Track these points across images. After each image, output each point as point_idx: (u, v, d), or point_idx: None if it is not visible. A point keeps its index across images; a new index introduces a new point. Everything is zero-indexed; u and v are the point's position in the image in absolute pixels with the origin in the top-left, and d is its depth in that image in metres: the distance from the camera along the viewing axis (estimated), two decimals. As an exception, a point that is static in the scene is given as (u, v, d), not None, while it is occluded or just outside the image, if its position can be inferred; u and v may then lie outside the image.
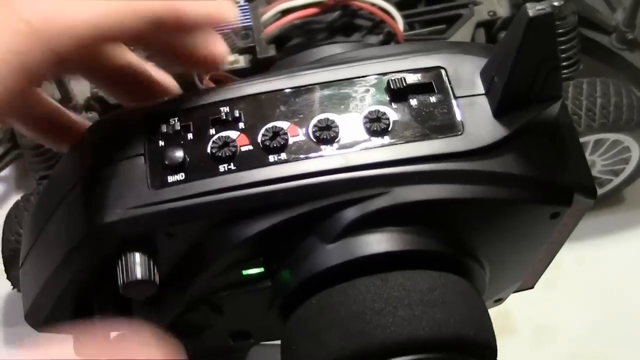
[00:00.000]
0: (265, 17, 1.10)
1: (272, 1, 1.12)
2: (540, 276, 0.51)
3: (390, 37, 1.08)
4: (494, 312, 1.03)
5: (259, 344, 0.65)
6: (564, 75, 1.05)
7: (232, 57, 1.08)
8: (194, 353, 0.50)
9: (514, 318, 1.05)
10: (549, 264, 0.49)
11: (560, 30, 1.02)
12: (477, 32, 1.11)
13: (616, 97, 0.99)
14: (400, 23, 1.09)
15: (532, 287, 0.52)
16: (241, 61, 1.07)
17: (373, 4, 1.11)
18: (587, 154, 1.05)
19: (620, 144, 1.04)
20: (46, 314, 0.44)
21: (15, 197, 1.05)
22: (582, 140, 1.02)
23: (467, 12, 1.14)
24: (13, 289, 0.99)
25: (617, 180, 1.11)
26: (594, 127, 0.99)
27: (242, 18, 1.11)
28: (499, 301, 0.51)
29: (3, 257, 0.95)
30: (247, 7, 1.12)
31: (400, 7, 1.12)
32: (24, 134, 1.02)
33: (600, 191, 1.12)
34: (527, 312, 1.05)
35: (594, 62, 1.12)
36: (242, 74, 1.02)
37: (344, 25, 1.14)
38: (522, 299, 1.02)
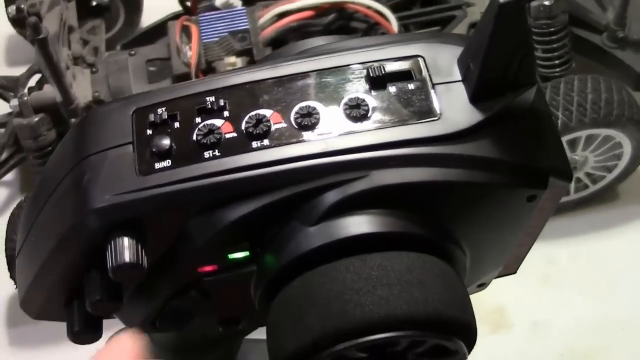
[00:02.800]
0: (262, 20, 1.12)
1: (268, 5, 1.14)
2: (521, 261, 0.51)
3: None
4: (489, 308, 1.05)
5: (248, 341, 0.66)
6: (556, 73, 1.07)
7: (230, 59, 1.09)
8: (186, 345, 0.51)
9: (510, 313, 1.06)
10: (530, 248, 0.50)
11: (551, 29, 1.04)
12: (471, 32, 1.12)
13: (607, 93, 1.01)
14: (394, 25, 1.11)
15: (514, 272, 0.52)
16: (239, 63, 1.09)
17: (368, 7, 1.12)
18: (579, 150, 1.06)
19: (612, 139, 1.05)
20: (40, 301, 0.45)
21: (19, 200, 1.07)
22: (573, 135, 1.03)
23: (460, 14, 1.16)
24: (16, 288, 1.00)
25: (610, 177, 1.12)
26: (585, 123, 1.00)
27: (240, 21, 1.12)
28: (482, 286, 0.52)
29: (6, 256, 0.96)
30: (244, 10, 1.14)
31: (394, 9, 1.13)
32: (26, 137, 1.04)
33: (593, 187, 1.13)
34: (523, 308, 1.06)
35: (586, 60, 1.14)
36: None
37: (340, 27, 1.15)
38: (517, 294, 1.04)
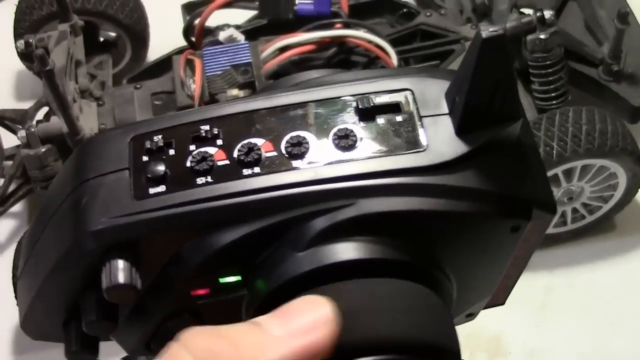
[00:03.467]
0: (265, 54, 1.14)
1: (270, 39, 1.16)
2: (510, 292, 0.52)
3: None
4: (487, 336, 1.05)
5: None
6: (553, 105, 1.08)
7: (233, 92, 1.11)
8: None
9: (507, 341, 1.06)
10: (517, 279, 0.51)
11: (547, 62, 1.06)
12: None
13: (601, 124, 1.02)
14: (394, 59, 1.12)
15: (502, 304, 0.53)
16: (241, 95, 1.11)
17: (369, 41, 1.14)
18: (575, 180, 1.07)
19: (607, 170, 1.07)
20: (39, 322, 0.46)
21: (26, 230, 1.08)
22: (569, 165, 1.05)
23: (459, 48, 1.18)
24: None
25: (606, 207, 1.13)
26: (580, 153, 1.02)
27: (242, 55, 1.14)
28: (470, 316, 0.53)
29: (13, 284, 0.97)
30: (246, 45, 1.16)
31: (394, 43, 1.15)
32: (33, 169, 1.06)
33: (590, 218, 1.14)
34: (520, 336, 1.06)
35: (583, 93, 1.15)
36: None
37: (340, 61, 1.17)
38: (515, 323, 1.05)
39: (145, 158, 0.43)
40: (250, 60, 1.13)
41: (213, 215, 0.41)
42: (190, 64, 1.15)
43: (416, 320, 0.40)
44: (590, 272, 1.13)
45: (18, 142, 1.19)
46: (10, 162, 1.22)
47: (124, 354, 0.48)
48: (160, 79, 1.21)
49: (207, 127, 0.43)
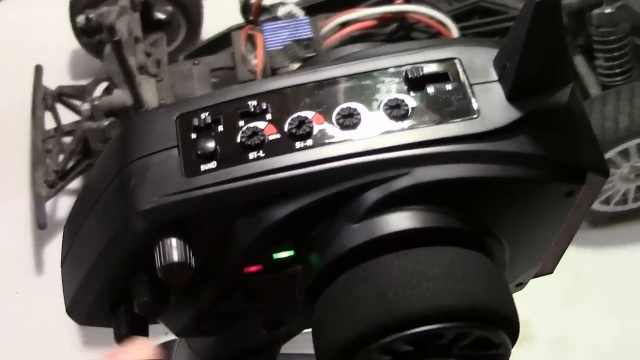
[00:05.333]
0: (325, 29, 1.14)
1: (330, 15, 1.15)
2: (558, 260, 0.52)
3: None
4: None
5: (282, 356, 0.67)
6: (617, 82, 1.06)
7: (294, 67, 1.11)
8: (226, 354, 0.52)
9: (534, 327, 1.05)
10: (566, 248, 0.50)
11: (612, 37, 1.04)
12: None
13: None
14: (455, 34, 1.11)
15: (551, 272, 0.53)
16: (304, 71, 1.10)
17: (430, 16, 1.13)
18: (631, 162, 1.05)
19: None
20: (87, 307, 0.46)
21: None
22: (637, 141, 1.03)
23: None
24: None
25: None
26: (633, 132, 1.00)
27: (303, 30, 1.14)
28: (520, 285, 0.52)
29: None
30: (307, 20, 1.15)
31: (455, 19, 1.13)
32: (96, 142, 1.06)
33: (633, 205, 1.12)
34: (547, 322, 1.06)
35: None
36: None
37: (401, 37, 1.16)
38: (542, 308, 1.03)
39: (193, 135, 0.42)
40: (311, 35, 1.13)
41: (267, 189, 0.41)
42: (251, 39, 1.15)
43: (477, 288, 0.39)
44: (618, 259, 1.11)
45: (76, 119, 1.20)
46: (68, 138, 1.23)
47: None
48: (219, 55, 1.21)
49: (254, 103, 0.43)
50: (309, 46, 1.12)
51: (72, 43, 1.38)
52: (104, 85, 1.24)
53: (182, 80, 1.18)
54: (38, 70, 1.35)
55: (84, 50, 1.41)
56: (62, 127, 1.24)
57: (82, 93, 1.26)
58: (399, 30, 1.16)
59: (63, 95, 1.29)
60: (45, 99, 1.29)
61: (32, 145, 1.25)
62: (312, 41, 1.12)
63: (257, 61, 1.12)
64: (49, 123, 1.31)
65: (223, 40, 1.23)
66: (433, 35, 1.15)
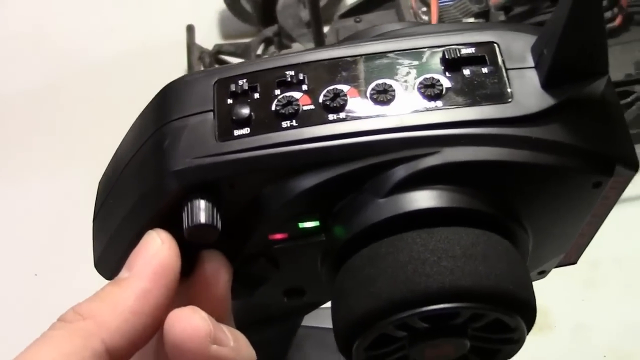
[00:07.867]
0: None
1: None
2: (582, 251, 0.52)
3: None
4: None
5: (303, 328, 0.67)
6: None
7: (468, 21, 1.11)
8: (247, 321, 0.52)
9: (553, 315, 1.05)
10: (591, 239, 0.51)
11: None
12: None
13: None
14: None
15: (574, 263, 0.53)
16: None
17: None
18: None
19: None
20: (115, 262, 0.46)
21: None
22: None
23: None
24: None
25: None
26: None
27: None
28: (542, 273, 0.53)
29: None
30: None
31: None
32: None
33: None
34: (566, 310, 1.05)
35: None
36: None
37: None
38: (561, 296, 1.03)
39: (230, 101, 0.43)
40: (482, -12, 1.12)
41: (297, 158, 0.41)
42: (421, -6, 1.14)
43: (497, 270, 0.40)
44: (638, 246, 1.11)
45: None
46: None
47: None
48: (380, 13, 1.19)
49: (292, 73, 0.43)
50: (482, 0, 1.11)
51: (219, 5, 1.37)
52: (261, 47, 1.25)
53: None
54: (190, 29, 1.34)
55: (229, 11, 1.40)
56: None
57: (245, 50, 1.24)
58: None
59: (221, 53, 1.27)
60: (202, 58, 1.29)
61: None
62: (484, -5, 1.12)
63: (430, 17, 1.11)
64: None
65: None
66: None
